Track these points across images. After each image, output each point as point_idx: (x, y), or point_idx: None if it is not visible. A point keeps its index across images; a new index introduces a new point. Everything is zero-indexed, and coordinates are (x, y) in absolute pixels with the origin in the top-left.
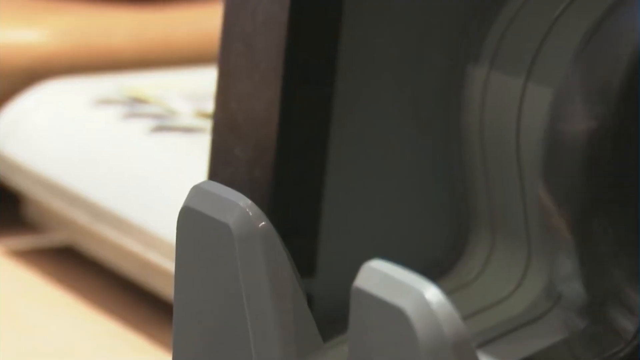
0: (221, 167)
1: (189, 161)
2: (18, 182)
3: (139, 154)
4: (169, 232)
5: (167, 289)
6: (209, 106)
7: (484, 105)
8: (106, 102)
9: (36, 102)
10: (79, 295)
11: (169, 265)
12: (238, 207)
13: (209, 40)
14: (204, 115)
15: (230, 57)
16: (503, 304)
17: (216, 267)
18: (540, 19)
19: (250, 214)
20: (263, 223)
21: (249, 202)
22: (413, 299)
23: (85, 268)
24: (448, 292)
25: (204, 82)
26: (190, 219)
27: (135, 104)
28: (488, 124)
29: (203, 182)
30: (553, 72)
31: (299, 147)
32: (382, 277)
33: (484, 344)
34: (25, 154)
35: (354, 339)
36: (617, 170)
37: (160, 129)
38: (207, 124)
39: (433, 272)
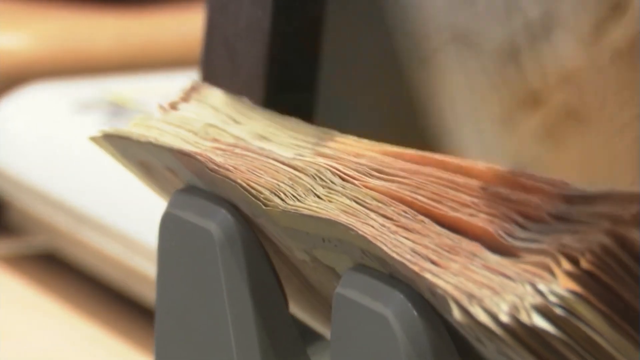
0: None
1: None
2: (0, 188)
3: None
4: (151, 237)
5: (149, 295)
6: None
7: None
8: (88, 106)
9: (18, 107)
10: (61, 301)
11: (151, 270)
12: (220, 212)
13: (191, 45)
14: None
15: (213, 62)
16: None
17: (198, 273)
18: None
19: (232, 219)
20: (244, 229)
21: (231, 207)
22: (395, 306)
23: (68, 273)
24: None
25: None
26: (172, 225)
27: (117, 109)
28: None
29: (185, 188)
30: None
31: None
32: (365, 284)
33: None
34: (7, 159)
35: (336, 344)
36: None
37: None
38: None
39: None
